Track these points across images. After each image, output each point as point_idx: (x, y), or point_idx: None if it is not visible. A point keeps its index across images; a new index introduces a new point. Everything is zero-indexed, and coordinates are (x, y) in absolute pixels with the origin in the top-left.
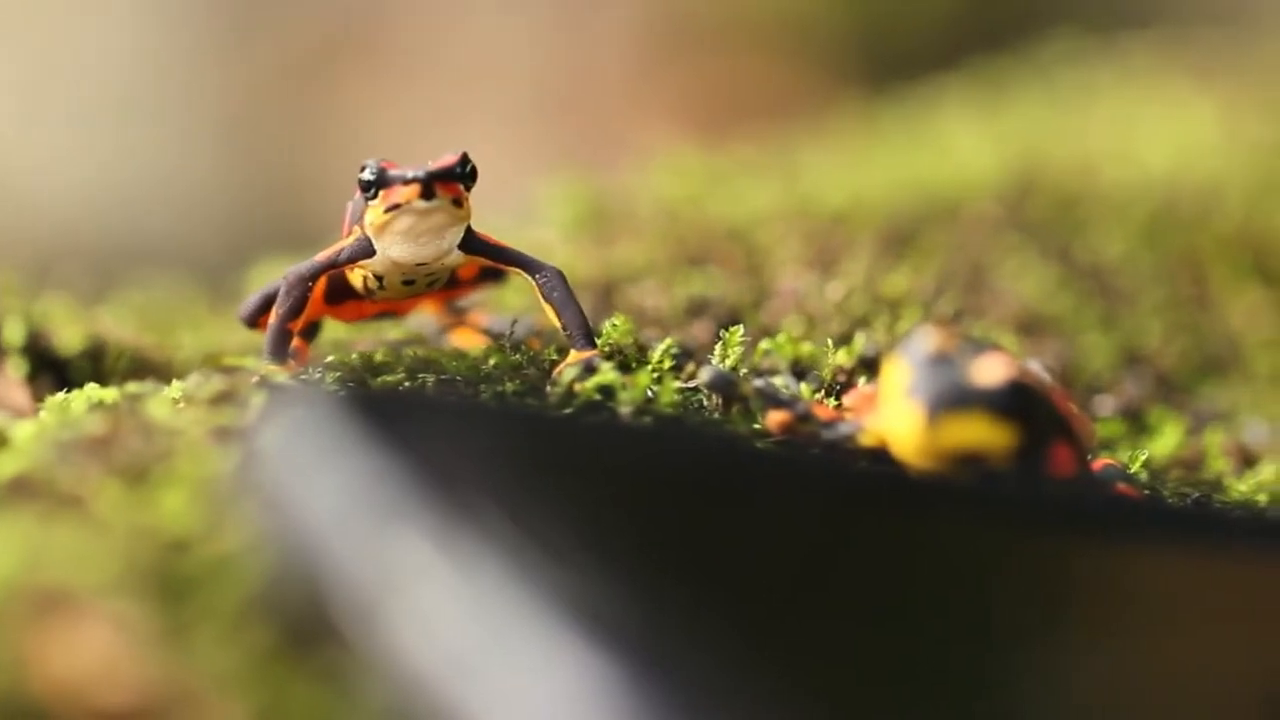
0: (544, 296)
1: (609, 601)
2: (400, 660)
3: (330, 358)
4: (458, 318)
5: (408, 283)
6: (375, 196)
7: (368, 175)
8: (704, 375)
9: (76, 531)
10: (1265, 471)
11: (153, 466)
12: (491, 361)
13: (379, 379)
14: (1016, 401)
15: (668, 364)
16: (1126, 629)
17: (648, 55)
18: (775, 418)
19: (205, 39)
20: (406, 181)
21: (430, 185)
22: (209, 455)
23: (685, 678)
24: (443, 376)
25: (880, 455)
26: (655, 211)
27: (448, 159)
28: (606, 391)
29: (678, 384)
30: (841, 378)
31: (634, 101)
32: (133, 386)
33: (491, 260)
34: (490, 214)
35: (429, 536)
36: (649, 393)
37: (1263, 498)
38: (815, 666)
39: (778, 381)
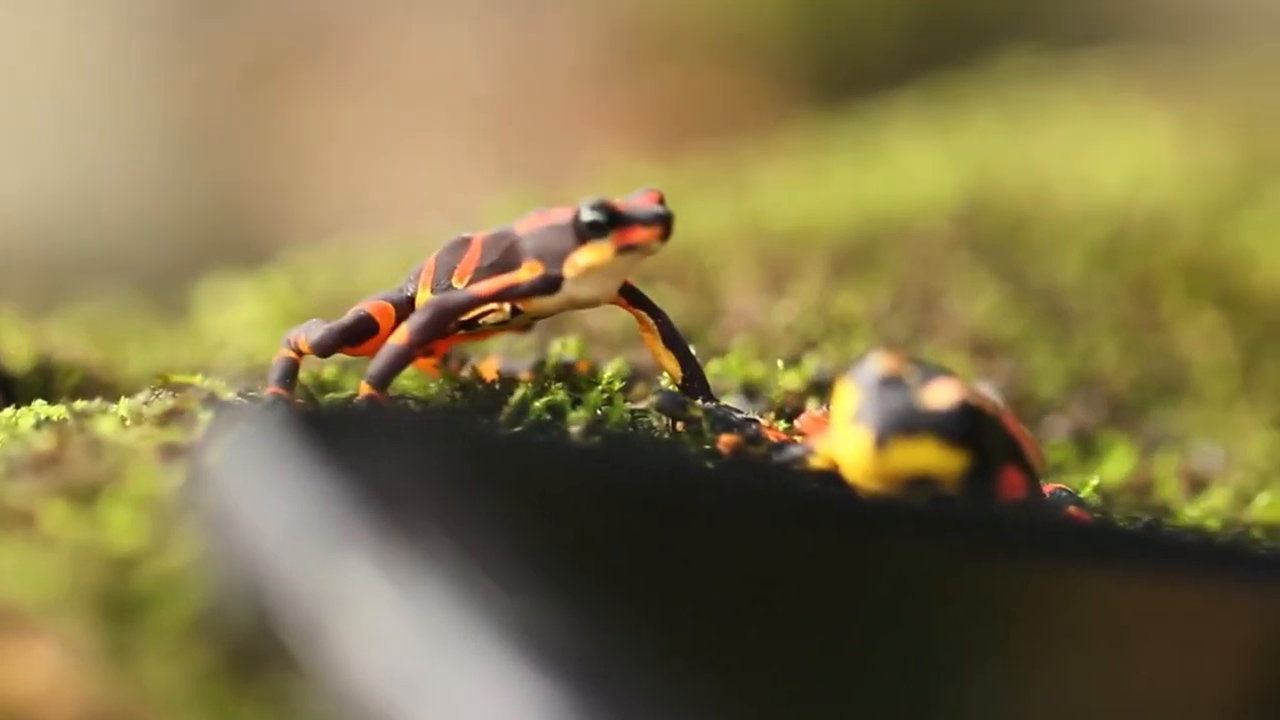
0: (665, 341)
1: (552, 622)
2: (343, 680)
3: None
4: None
5: (523, 321)
6: (604, 236)
7: (597, 215)
8: (654, 396)
9: (23, 549)
10: (1216, 496)
11: (100, 484)
12: (441, 380)
13: (327, 396)
14: (966, 426)
15: (617, 385)
16: (1075, 652)
17: (599, 69)
18: (725, 440)
19: (152, 49)
20: (650, 223)
21: (670, 227)
22: (156, 473)
23: (628, 699)
24: (392, 395)
25: (830, 478)
26: None
27: (651, 195)
28: (556, 411)
29: (627, 404)
30: (791, 400)
31: (585, 115)
32: (81, 404)
33: (628, 300)
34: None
35: (371, 556)
36: (598, 413)
37: (1213, 523)
38: (762, 688)
39: (728, 403)
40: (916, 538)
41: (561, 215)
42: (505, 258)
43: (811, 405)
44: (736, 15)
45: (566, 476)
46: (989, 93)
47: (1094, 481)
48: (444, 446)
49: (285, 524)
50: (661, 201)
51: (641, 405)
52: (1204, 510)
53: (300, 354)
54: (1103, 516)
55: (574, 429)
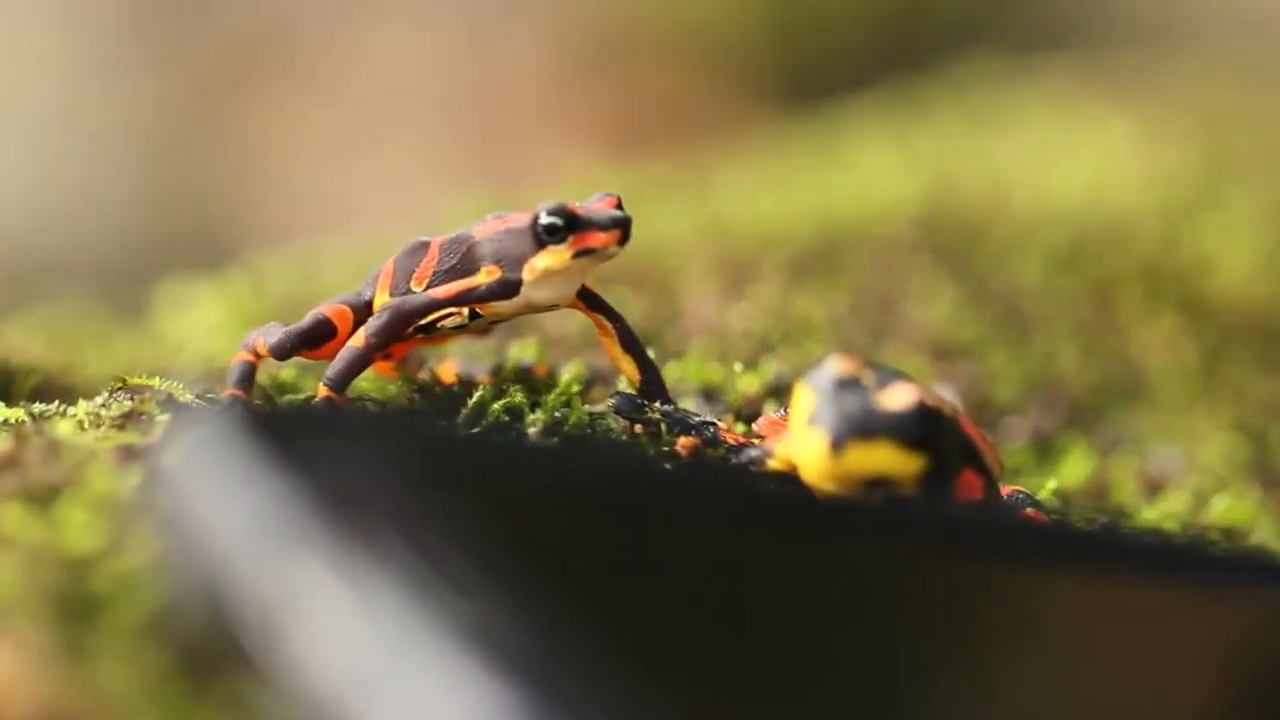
0: (623, 345)
1: (508, 624)
2: (298, 681)
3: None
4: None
5: (481, 325)
6: (562, 240)
7: (554, 219)
8: (612, 400)
9: None
10: (1173, 499)
11: (58, 486)
12: (399, 382)
13: (285, 398)
14: (923, 428)
15: (575, 387)
16: (1031, 653)
17: (563, 72)
18: (683, 442)
19: (114, 53)
20: (607, 227)
21: (628, 231)
22: (114, 475)
23: (583, 700)
24: (350, 397)
25: (787, 480)
26: None
27: (609, 200)
28: (514, 413)
29: (585, 407)
30: (749, 403)
31: (548, 118)
32: (39, 406)
33: (586, 304)
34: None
35: (326, 558)
36: (556, 415)
37: (1171, 525)
38: (719, 689)
39: (686, 405)
40: (872, 539)
41: (519, 219)
42: (463, 262)
43: (769, 408)
44: (699, 18)
45: (524, 478)
46: (950, 97)
47: (1052, 484)
48: (400, 448)
49: (240, 525)
50: (619, 206)
51: (600, 407)
52: (1162, 513)
53: (258, 356)
54: (1060, 518)
55: (532, 431)
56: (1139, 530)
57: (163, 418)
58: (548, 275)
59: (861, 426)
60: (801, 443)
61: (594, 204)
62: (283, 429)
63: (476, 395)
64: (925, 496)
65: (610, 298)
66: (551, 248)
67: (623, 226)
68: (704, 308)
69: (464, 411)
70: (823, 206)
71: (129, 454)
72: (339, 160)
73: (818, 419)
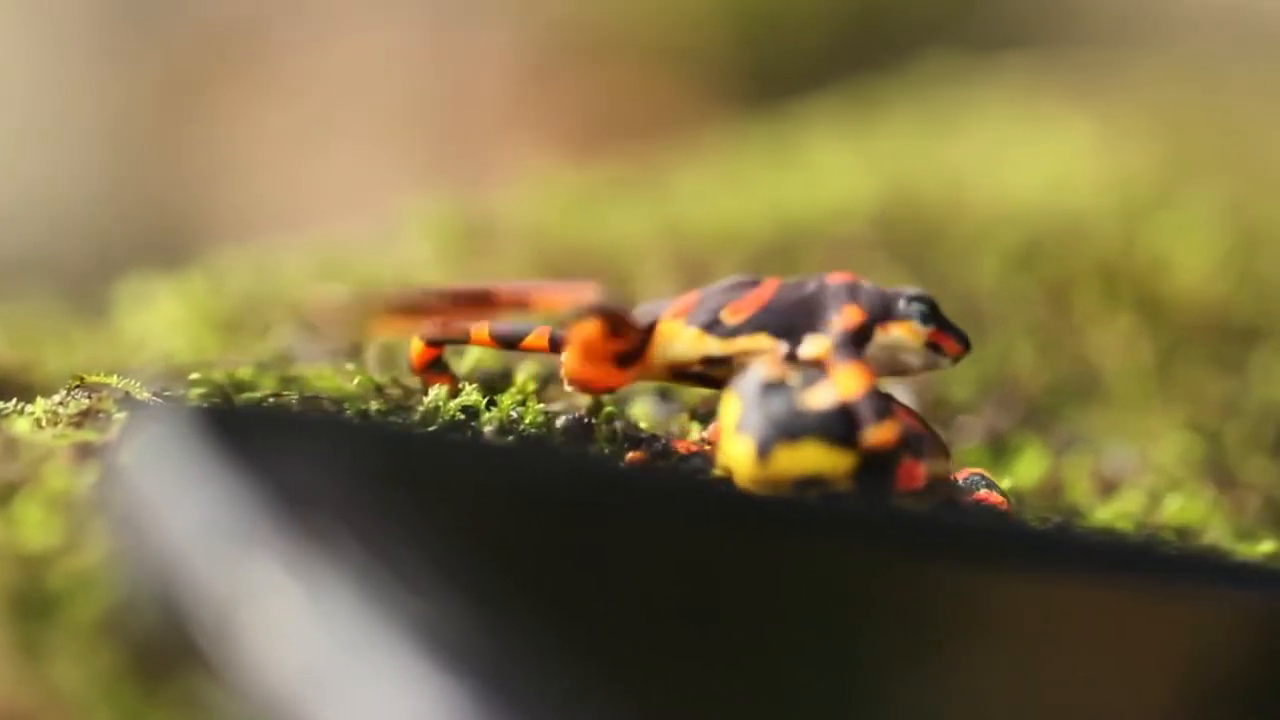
0: None
1: (461, 624)
2: (251, 680)
3: (194, 374)
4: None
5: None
6: (924, 325)
7: (928, 307)
8: (560, 420)
9: None
10: (1127, 498)
11: (14, 483)
12: (357, 380)
13: (242, 396)
14: (849, 425)
15: (531, 387)
16: (974, 650)
17: (526, 71)
18: (631, 456)
19: (78, 51)
20: (962, 341)
21: (968, 352)
22: (71, 472)
23: (537, 701)
24: (307, 394)
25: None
26: (522, 231)
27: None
28: (470, 412)
29: (541, 406)
30: (704, 403)
31: (511, 117)
32: None
33: None
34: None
35: (279, 557)
36: (512, 414)
37: (1124, 524)
38: (671, 690)
39: (641, 406)
40: (819, 536)
41: (878, 290)
42: (808, 301)
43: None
44: (662, 18)
45: (479, 476)
46: (908, 96)
47: (1006, 483)
48: (355, 446)
49: (194, 523)
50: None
51: (556, 406)
52: (1115, 512)
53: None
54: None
55: (487, 430)
56: (1091, 529)
57: (120, 416)
58: (896, 348)
59: (786, 429)
60: (730, 450)
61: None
62: (238, 427)
63: (432, 394)
64: (862, 489)
65: None
66: (914, 326)
67: (969, 347)
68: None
69: (419, 410)
70: (780, 205)
71: (86, 452)
72: (302, 159)
73: (744, 425)
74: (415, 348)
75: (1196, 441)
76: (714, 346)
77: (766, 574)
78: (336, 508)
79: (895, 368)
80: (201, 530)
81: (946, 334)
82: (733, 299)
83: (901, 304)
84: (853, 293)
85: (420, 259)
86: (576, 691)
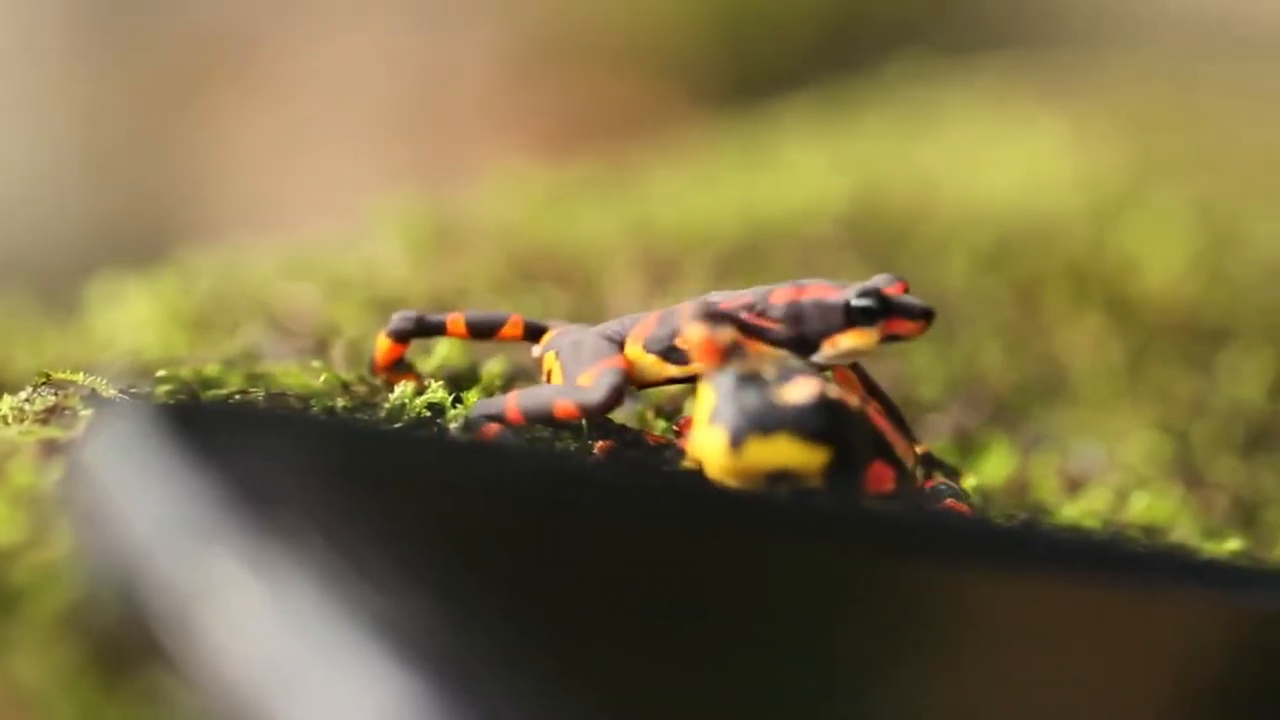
0: (867, 389)
1: (424, 621)
2: (212, 676)
3: (161, 371)
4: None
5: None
6: (873, 323)
7: (871, 303)
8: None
9: None
10: (1095, 496)
11: None
12: (323, 378)
13: (209, 393)
14: (823, 421)
15: (498, 383)
16: (946, 648)
17: (508, 73)
18: (601, 445)
19: (62, 53)
20: (918, 317)
21: (932, 321)
22: (36, 469)
23: (498, 697)
24: (273, 391)
25: (700, 476)
26: (493, 230)
27: (899, 286)
28: (435, 409)
29: None
30: (671, 400)
31: (493, 119)
32: None
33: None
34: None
35: (240, 553)
36: None
37: (1091, 522)
38: (636, 687)
39: None
40: (786, 532)
41: (824, 292)
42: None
43: (690, 406)
44: (642, 20)
45: (444, 473)
46: (881, 97)
47: (973, 481)
48: (319, 443)
49: (156, 519)
50: (908, 292)
51: None
52: (1082, 510)
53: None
54: (979, 512)
55: (453, 426)
56: (1058, 526)
57: (86, 412)
58: (849, 354)
59: (760, 422)
60: (703, 441)
61: (884, 285)
62: (201, 424)
63: (398, 390)
64: (831, 489)
65: (535, 296)
66: (862, 329)
67: (930, 317)
68: (628, 306)
69: (385, 407)
70: (750, 206)
71: (51, 449)
72: (282, 160)
73: (717, 416)
74: (381, 345)
75: (1164, 440)
76: (674, 371)
77: (734, 570)
78: (300, 504)
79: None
80: (164, 526)
81: (900, 320)
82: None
83: (848, 311)
84: (795, 312)
85: (389, 258)
86: (540, 688)
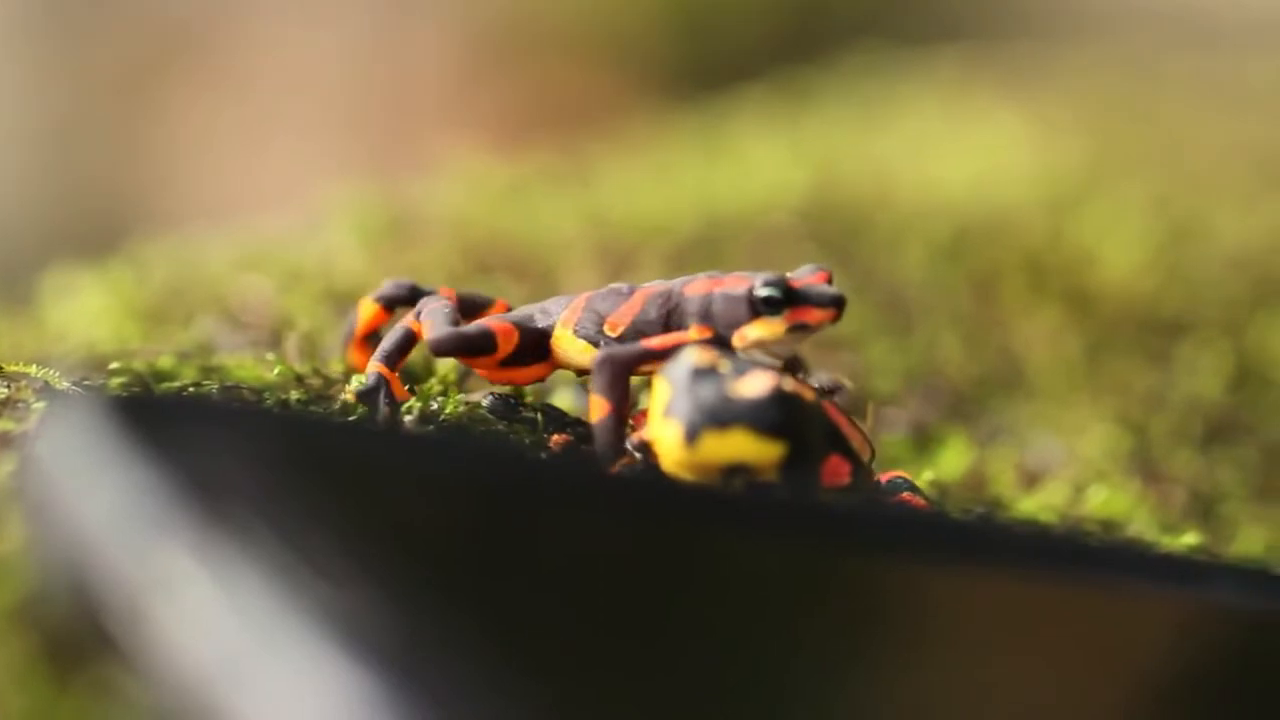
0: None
1: (372, 613)
2: (162, 669)
3: (115, 364)
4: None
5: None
6: (778, 313)
7: (774, 292)
8: (486, 399)
9: None
10: (1051, 490)
11: None
12: (277, 370)
13: (162, 385)
14: (779, 415)
15: (453, 377)
16: (901, 642)
17: (464, 65)
18: (556, 439)
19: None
20: (825, 305)
21: (843, 309)
22: None
23: (446, 689)
24: (227, 384)
25: (652, 470)
26: (449, 221)
27: (821, 275)
28: (390, 397)
29: (461, 396)
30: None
31: (449, 112)
32: None
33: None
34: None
35: (192, 546)
36: (433, 404)
37: (1048, 516)
38: (584, 679)
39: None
40: (735, 526)
41: (735, 285)
42: (670, 317)
43: (645, 400)
44: (599, 13)
45: (396, 465)
46: (838, 88)
47: (930, 475)
48: (270, 435)
49: (106, 511)
50: (830, 281)
51: (476, 396)
52: (1040, 504)
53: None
54: (934, 507)
55: (407, 419)
56: (1014, 520)
57: (38, 405)
58: (759, 345)
59: (715, 415)
60: (658, 434)
61: (806, 276)
62: (152, 415)
63: (354, 383)
64: (788, 481)
65: (491, 286)
66: (767, 319)
67: (839, 305)
68: None
69: (339, 400)
70: (707, 197)
71: (4, 441)
72: (239, 152)
73: (672, 410)
74: (365, 310)
75: (1122, 434)
76: None
77: (687, 564)
78: (251, 497)
79: (775, 354)
80: (116, 519)
81: (806, 308)
82: (610, 311)
83: (752, 302)
84: (704, 306)
85: (344, 250)
86: (490, 680)
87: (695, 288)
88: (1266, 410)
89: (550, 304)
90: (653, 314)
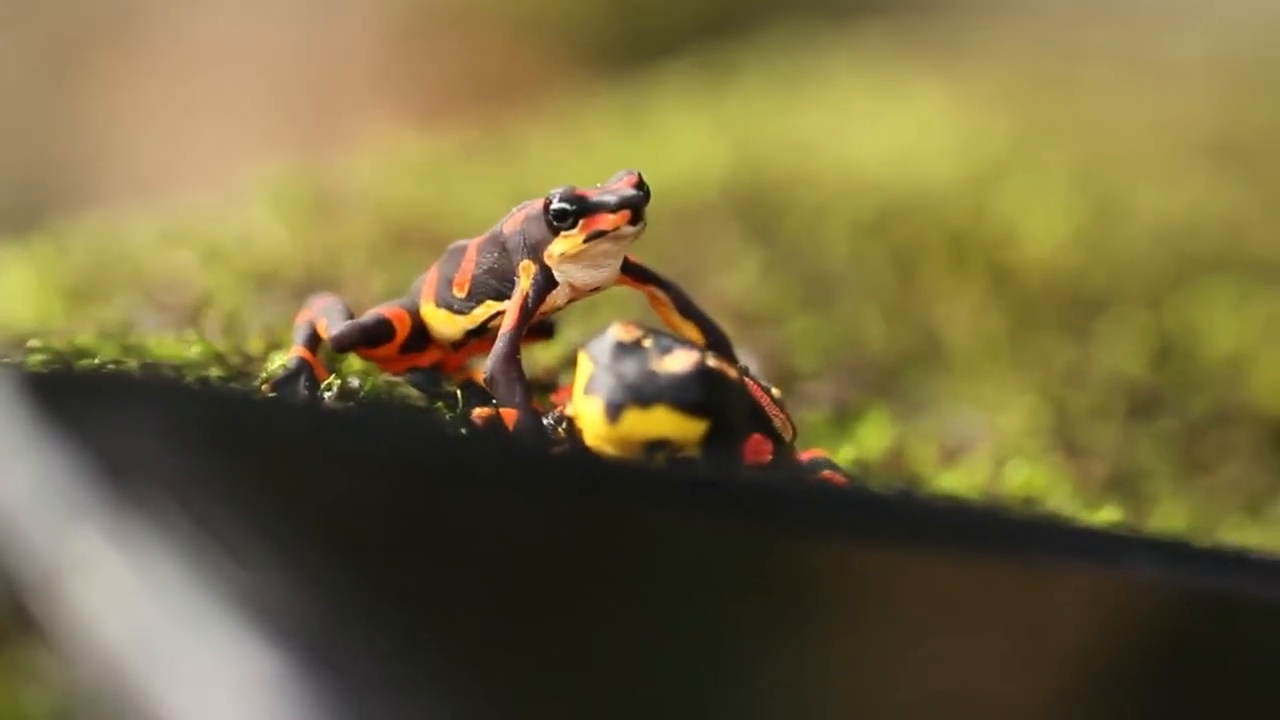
0: (681, 312)
1: (285, 594)
2: (78, 648)
3: (34, 341)
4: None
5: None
6: (573, 225)
7: (563, 204)
8: (410, 372)
9: None
10: (972, 466)
11: None
12: (196, 348)
13: (82, 363)
14: (701, 392)
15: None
16: (821, 619)
17: (394, 41)
18: (479, 413)
19: None
20: (615, 208)
21: (640, 210)
22: None
23: (359, 671)
24: (147, 361)
25: (575, 446)
26: (371, 198)
27: (628, 180)
28: (311, 379)
29: (385, 375)
30: (547, 374)
31: (379, 87)
32: None
33: (634, 277)
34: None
35: (106, 525)
36: (352, 381)
37: (969, 491)
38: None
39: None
40: (655, 501)
41: (535, 206)
42: (499, 260)
43: (566, 378)
44: None
45: (313, 443)
46: (762, 64)
47: (851, 451)
48: (185, 412)
49: (21, 490)
50: (640, 183)
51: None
52: (960, 480)
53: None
54: (854, 483)
55: (327, 395)
56: (934, 496)
57: None
58: (566, 260)
59: (637, 392)
60: (580, 410)
61: (614, 183)
62: (67, 393)
63: (276, 360)
64: (709, 458)
65: (411, 263)
66: (565, 234)
67: (633, 205)
68: None
69: (260, 377)
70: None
71: None
72: (167, 129)
73: (594, 386)
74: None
75: (1043, 409)
76: (464, 323)
77: (608, 541)
78: (166, 475)
79: (599, 265)
80: (30, 497)
81: (599, 215)
82: (454, 271)
83: (548, 219)
84: (521, 238)
85: (266, 227)
86: (405, 659)
87: (511, 224)
88: (1187, 385)
89: (417, 283)
90: (487, 262)
